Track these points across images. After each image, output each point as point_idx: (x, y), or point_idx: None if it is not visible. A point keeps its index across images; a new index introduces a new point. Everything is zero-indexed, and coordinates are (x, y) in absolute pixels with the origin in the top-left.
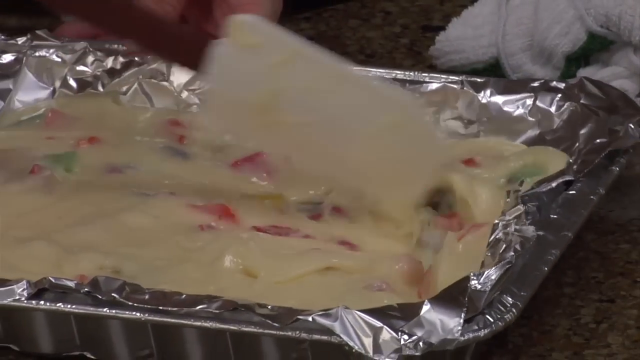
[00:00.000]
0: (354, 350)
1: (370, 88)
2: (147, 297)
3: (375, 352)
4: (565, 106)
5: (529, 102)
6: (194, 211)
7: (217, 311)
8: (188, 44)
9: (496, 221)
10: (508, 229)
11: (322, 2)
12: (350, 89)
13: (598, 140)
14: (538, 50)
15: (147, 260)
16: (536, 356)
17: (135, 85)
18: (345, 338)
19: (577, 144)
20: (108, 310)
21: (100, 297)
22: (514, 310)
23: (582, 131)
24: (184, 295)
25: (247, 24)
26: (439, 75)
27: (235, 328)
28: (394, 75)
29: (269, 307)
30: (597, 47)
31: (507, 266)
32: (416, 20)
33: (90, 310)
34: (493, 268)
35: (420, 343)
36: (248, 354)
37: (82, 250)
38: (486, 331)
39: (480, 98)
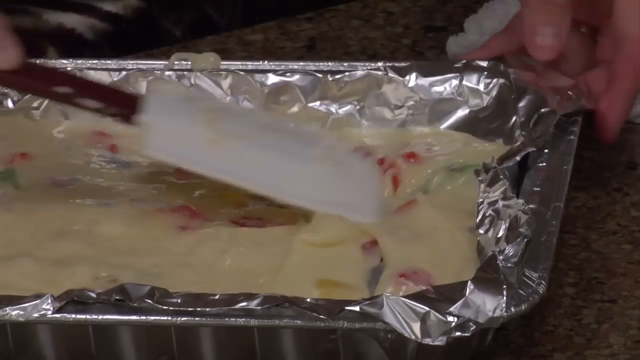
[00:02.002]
0: (405, 336)
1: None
2: (179, 300)
3: (424, 336)
4: (493, 82)
5: (455, 82)
6: (164, 214)
7: (258, 308)
8: (123, 94)
9: (480, 199)
10: (496, 205)
11: (324, 3)
12: (278, 126)
13: (543, 110)
14: None
15: (142, 267)
16: (538, 356)
17: (47, 100)
18: (396, 325)
19: (516, 117)
20: (157, 318)
21: (132, 304)
22: (544, 283)
23: (521, 104)
24: (217, 296)
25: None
26: (360, 64)
27: (292, 323)
28: (317, 66)
29: (308, 300)
30: None
31: (526, 240)
32: (418, 21)
33: (140, 318)
34: (511, 245)
35: (470, 323)
36: (274, 350)
37: (71, 263)
38: (525, 305)
39: (405, 82)
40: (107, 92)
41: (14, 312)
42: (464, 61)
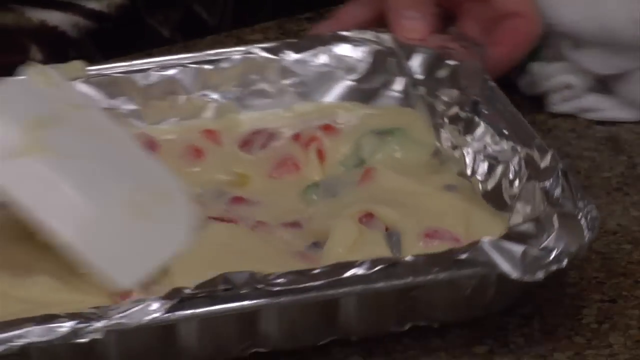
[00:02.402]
0: (507, 277)
1: (142, 157)
2: (284, 280)
3: (525, 274)
4: (366, 50)
5: (327, 55)
6: None
7: (369, 272)
8: None
9: (466, 150)
10: (488, 150)
11: (323, 3)
12: (118, 146)
13: (450, 62)
14: None
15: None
16: (538, 356)
17: None
18: (503, 267)
19: (406, 79)
20: (294, 298)
21: (245, 291)
22: (595, 212)
23: (414, 63)
24: (317, 270)
25: (48, 71)
26: (235, 49)
27: (420, 279)
28: (194, 58)
29: (407, 258)
30: None
31: (565, 174)
32: None
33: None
34: (549, 180)
35: (563, 255)
36: (369, 312)
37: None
38: (594, 232)
39: (281, 61)
40: None
41: (123, 320)
42: (332, 33)
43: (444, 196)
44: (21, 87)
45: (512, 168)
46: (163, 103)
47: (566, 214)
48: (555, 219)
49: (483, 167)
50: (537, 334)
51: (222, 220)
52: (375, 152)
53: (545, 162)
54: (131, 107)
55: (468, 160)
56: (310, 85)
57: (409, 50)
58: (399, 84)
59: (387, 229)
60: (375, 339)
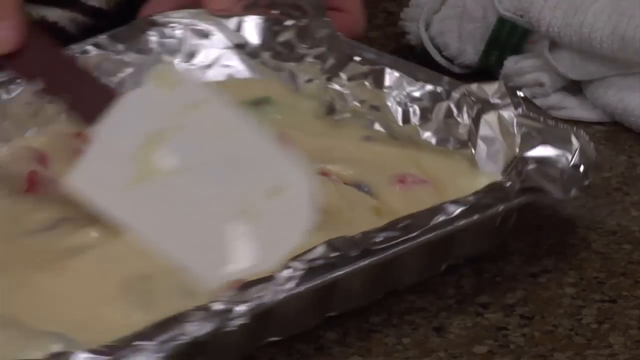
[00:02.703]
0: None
1: (266, 149)
2: (382, 237)
3: (565, 193)
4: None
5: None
6: None
7: (456, 213)
8: (98, 90)
9: (383, 102)
10: (411, 95)
11: None
12: (244, 144)
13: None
14: (465, 32)
15: None
16: (538, 356)
17: None
18: (551, 190)
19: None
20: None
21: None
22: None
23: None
24: (407, 221)
25: (169, 69)
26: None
27: (491, 211)
28: None
29: (469, 197)
30: (507, 32)
31: (525, 99)
32: None
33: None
34: (510, 107)
35: (589, 168)
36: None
37: None
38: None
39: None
40: (78, 93)
41: (261, 294)
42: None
43: (374, 147)
44: (138, 102)
45: (451, 106)
46: None
47: (562, 131)
48: (572, 137)
49: (415, 112)
50: (537, 333)
51: None
52: (261, 120)
53: (493, 93)
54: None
55: (393, 110)
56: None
57: (236, 22)
58: (230, 58)
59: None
60: (375, 339)
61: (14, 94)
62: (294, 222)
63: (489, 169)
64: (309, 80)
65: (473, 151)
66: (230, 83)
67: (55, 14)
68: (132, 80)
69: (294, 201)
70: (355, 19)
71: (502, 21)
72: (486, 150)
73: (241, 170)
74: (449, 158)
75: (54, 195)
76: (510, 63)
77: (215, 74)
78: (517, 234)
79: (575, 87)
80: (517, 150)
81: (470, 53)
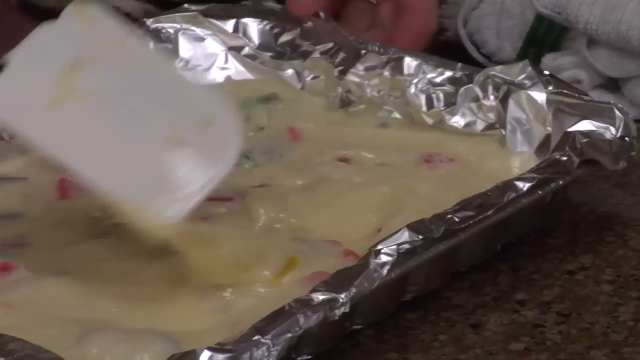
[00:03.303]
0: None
1: (184, 83)
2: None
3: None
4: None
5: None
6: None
7: (524, 191)
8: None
9: (403, 91)
10: (433, 81)
11: None
12: (164, 77)
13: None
14: (502, 29)
15: None
16: (574, 354)
17: None
18: (604, 163)
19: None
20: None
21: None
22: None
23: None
24: (479, 200)
25: (90, 8)
26: None
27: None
28: None
29: (533, 174)
30: (544, 29)
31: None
32: None
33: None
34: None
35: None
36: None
37: None
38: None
39: None
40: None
41: (360, 288)
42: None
43: (393, 132)
44: (57, 32)
45: (475, 89)
46: None
47: (602, 104)
48: (615, 111)
49: (438, 97)
50: (573, 331)
51: None
52: (270, 117)
53: (518, 74)
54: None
55: (412, 97)
56: None
57: (233, 24)
58: (228, 60)
59: None
60: (411, 336)
61: None
62: (223, 149)
63: (520, 149)
64: (315, 77)
65: (503, 132)
66: (232, 83)
67: (129, 5)
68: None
69: (223, 130)
70: (426, 21)
71: (540, 18)
72: (516, 131)
73: (166, 102)
74: (477, 140)
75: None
76: (548, 60)
77: (214, 77)
78: (555, 229)
79: (613, 85)
80: (550, 128)
81: (508, 50)
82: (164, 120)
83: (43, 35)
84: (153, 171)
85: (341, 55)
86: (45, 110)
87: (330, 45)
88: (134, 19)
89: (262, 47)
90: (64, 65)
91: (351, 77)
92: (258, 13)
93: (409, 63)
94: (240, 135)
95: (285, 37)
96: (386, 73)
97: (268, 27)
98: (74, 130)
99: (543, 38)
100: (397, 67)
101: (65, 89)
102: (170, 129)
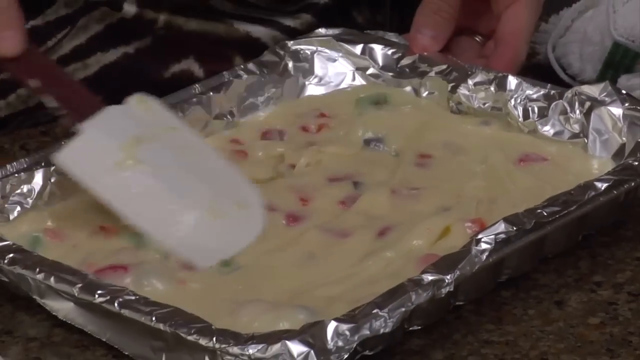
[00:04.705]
0: None
1: (225, 169)
2: (547, 211)
3: None
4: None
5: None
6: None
7: (602, 190)
8: (86, 96)
9: (504, 104)
10: (530, 96)
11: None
12: (208, 161)
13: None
14: (585, 54)
15: None
16: None
17: None
18: None
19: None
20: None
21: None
22: None
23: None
24: (564, 197)
25: (149, 100)
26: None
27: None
28: None
29: (608, 176)
30: (620, 55)
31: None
32: None
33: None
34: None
35: None
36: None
37: None
38: None
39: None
40: (71, 95)
41: (464, 270)
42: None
43: (493, 131)
44: (123, 112)
45: (564, 104)
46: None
47: None
48: None
49: (533, 110)
50: None
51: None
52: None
53: (600, 92)
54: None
55: (512, 109)
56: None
57: (361, 48)
58: (355, 78)
59: None
60: (505, 310)
61: (187, 112)
62: (250, 227)
63: (599, 154)
64: (431, 93)
65: (586, 140)
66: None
67: (259, 31)
68: (275, 97)
69: (252, 212)
70: (517, 52)
71: (617, 45)
72: (597, 140)
73: (210, 181)
74: (564, 145)
75: None
76: (623, 80)
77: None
78: (628, 222)
79: None
80: (625, 138)
81: (589, 72)
82: (206, 195)
83: (111, 113)
84: (194, 231)
85: (454, 74)
86: (110, 172)
87: (445, 66)
88: (263, 44)
89: (385, 68)
90: (126, 138)
91: (462, 91)
92: (382, 40)
93: (511, 81)
94: (262, 220)
95: (405, 61)
96: (492, 88)
97: (390, 52)
98: (132, 190)
99: (619, 62)
100: (501, 84)
101: (127, 157)
102: (211, 202)
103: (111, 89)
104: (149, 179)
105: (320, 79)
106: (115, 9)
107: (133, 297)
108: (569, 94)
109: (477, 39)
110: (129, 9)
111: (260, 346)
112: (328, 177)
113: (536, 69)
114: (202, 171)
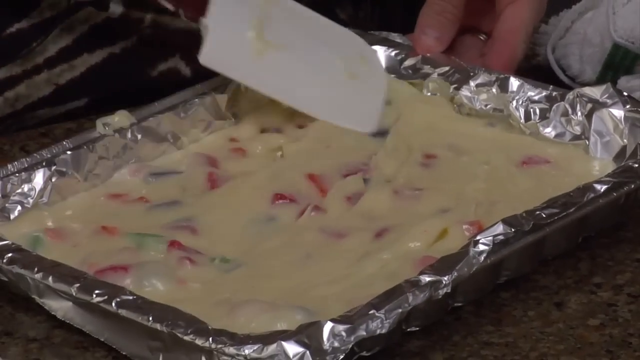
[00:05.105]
0: None
1: (337, 28)
2: (546, 212)
3: None
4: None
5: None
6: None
7: (601, 192)
8: None
9: (505, 105)
10: (531, 98)
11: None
12: (322, 26)
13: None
14: (585, 55)
15: None
16: None
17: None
18: None
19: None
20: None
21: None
22: None
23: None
24: (563, 199)
25: None
26: None
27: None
28: None
29: (608, 178)
30: (620, 56)
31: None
32: None
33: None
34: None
35: None
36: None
37: None
38: None
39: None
40: None
41: (461, 272)
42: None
43: (497, 133)
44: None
45: (566, 106)
46: None
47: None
48: None
49: (535, 112)
50: None
51: None
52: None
53: (602, 94)
54: None
55: (513, 110)
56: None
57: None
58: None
59: None
60: (504, 312)
61: (189, 112)
62: (379, 78)
63: (600, 156)
64: (433, 95)
65: (587, 142)
66: None
67: None
68: None
69: (375, 64)
70: (511, 54)
71: (616, 47)
72: (598, 141)
73: (331, 44)
74: (566, 146)
75: (234, 189)
76: (623, 82)
77: None
78: (628, 223)
79: None
80: (626, 140)
81: (589, 73)
82: (337, 57)
83: (220, 1)
84: (344, 96)
85: (456, 75)
86: (253, 60)
87: (447, 68)
88: None
89: (388, 69)
90: (251, 23)
91: (464, 92)
92: (385, 41)
93: (513, 82)
94: (383, 67)
95: (408, 62)
96: (493, 90)
97: (393, 53)
98: (279, 73)
99: (619, 63)
100: (503, 86)
101: (261, 43)
102: (344, 64)
103: (98, 89)
104: (289, 59)
105: None
106: (102, 9)
107: (131, 297)
108: (570, 95)
109: (481, 37)
110: (116, 9)
111: (256, 346)
112: (342, 172)
113: (536, 71)
114: (320, 33)
